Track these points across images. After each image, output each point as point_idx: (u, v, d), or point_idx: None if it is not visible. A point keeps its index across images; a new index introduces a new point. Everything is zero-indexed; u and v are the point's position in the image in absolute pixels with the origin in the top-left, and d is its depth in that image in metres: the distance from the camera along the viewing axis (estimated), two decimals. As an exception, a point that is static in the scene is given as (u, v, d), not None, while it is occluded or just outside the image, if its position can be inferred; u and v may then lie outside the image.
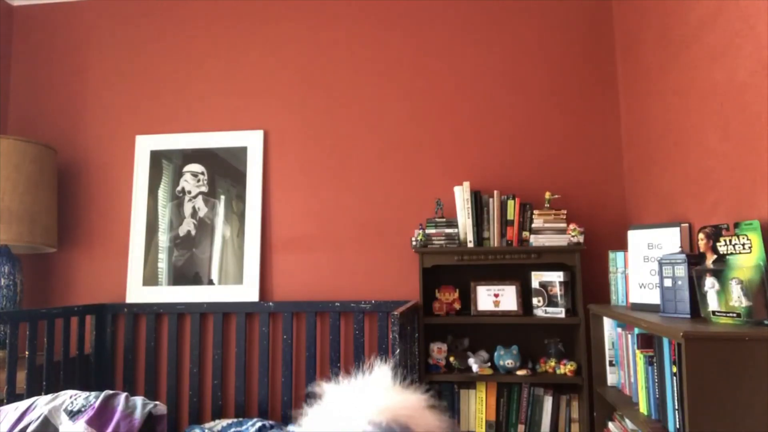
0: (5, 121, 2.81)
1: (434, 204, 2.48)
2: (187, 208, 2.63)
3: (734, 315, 1.33)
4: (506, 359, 2.17)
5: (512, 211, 2.26)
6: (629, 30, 2.30)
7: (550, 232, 2.22)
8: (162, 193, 2.65)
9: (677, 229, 1.71)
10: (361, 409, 1.03)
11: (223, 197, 2.62)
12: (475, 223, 2.27)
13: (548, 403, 2.17)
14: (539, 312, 2.19)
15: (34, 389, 2.07)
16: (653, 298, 1.69)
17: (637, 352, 1.63)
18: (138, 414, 1.71)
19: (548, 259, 2.19)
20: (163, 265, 2.60)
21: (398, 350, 1.71)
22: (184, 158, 2.66)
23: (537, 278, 2.21)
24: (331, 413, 1.07)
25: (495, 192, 2.28)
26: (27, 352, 2.08)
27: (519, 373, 2.14)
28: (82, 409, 1.70)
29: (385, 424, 1.01)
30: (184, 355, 2.56)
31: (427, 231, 2.30)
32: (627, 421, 1.81)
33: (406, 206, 2.52)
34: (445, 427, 1.10)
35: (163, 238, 2.62)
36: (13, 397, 1.96)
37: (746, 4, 1.43)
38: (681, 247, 1.69)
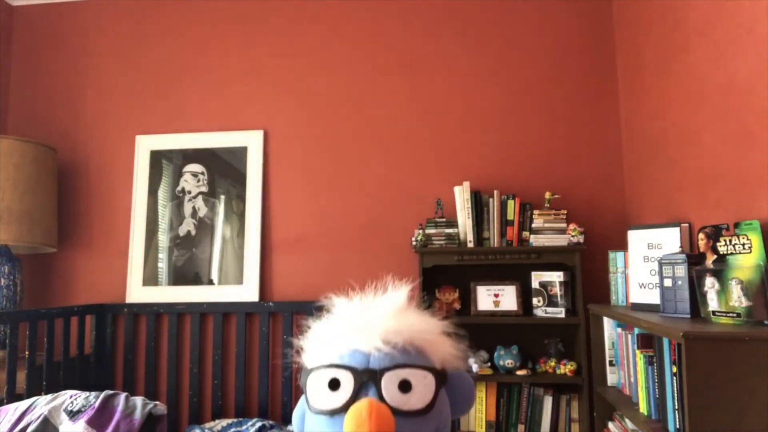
0: (5, 121, 2.80)
1: (434, 204, 2.48)
2: (187, 208, 2.63)
3: (734, 315, 1.33)
4: (506, 359, 2.17)
5: (512, 211, 2.26)
6: (629, 30, 2.30)
7: (550, 232, 2.21)
8: (162, 193, 2.65)
9: (677, 229, 1.71)
10: (375, 327, 0.94)
11: (223, 197, 2.62)
12: (475, 223, 2.27)
13: (548, 403, 2.17)
14: (539, 312, 2.19)
15: (34, 389, 2.07)
16: (653, 298, 1.69)
17: (637, 352, 1.62)
18: (138, 414, 1.71)
19: (548, 259, 2.19)
20: (163, 265, 2.60)
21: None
22: (184, 158, 2.66)
23: (537, 278, 2.21)
24: (342, 328, 0.98)
25: (495, 192, 2.28)
26: (27, 352, 2.08)
27: (519, 373, 2.14)
28: (82, 409, 1.69)
29: (401, 346, 0.93)
30: (184, 355, 2.56)
31: (427, 231, 2.29)
32: (627, 421, 1.81)
33: (406, 206, 2.52)
34: (461, 358, 1.02)
35: (163, 238, 2.62)
36: (13, 397, 1.96)
37: (746, 5, 1.43)
38: (681, 247, 1.69)
